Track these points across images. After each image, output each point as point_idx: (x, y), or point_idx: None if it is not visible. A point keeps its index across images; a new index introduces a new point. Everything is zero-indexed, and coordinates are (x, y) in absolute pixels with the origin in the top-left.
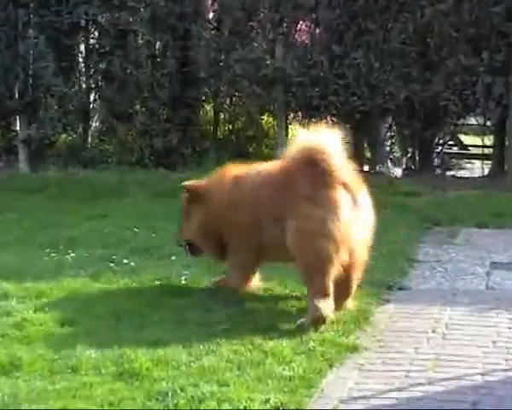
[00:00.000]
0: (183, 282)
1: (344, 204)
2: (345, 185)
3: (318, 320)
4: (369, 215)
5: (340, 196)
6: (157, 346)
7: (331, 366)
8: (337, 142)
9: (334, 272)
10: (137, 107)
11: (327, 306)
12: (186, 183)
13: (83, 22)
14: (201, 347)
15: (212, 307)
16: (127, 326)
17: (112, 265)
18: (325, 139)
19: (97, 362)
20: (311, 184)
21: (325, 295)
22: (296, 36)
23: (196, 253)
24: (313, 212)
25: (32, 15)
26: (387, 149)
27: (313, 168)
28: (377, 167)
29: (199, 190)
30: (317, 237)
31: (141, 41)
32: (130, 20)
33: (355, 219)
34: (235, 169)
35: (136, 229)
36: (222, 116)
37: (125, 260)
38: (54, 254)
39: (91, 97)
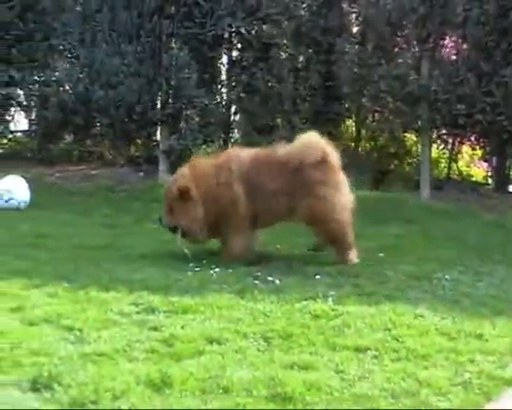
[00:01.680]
0: (330, 303)
1: (345, 183)
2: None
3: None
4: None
5: (342, 178)
6: (308, 370)
7: (488, 400)
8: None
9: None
10: (278, 120)
11: (354, 255)
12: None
13: (226, 34)
14: (353, 373)
15: (361, 331)
16: (276, 348)
17: (256, 282)
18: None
19: (249, 384)
20: (321, 172)
21: (351, 247)
22: (442, 52)
23: (184, 236)
24: (327, 192)
25: (176, 27)
26: None
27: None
28: None
29: (189, 189)
30: (336, 210)
31: (284, 54)
32: (274, 33)
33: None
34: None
35: (278, 246)
36: (364, 132)
37: (270, 278)
38: (198, 269)
39: (232, 110)
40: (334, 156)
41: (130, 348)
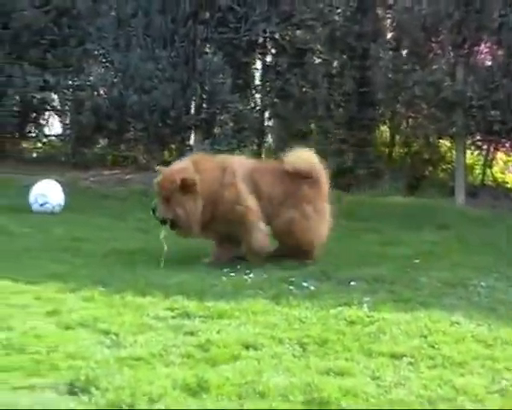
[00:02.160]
0: (365, 309)
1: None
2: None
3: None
4: None
5: (327, 204)
6: (344, 376)
7: None
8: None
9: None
10: (312, 126)
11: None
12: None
13: (260, 40)
14: (389, 379)
15: (396, 337)
16: (312, 353)
17: (291, 287)
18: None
19: (285, 389)
20: (311, 191)
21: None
22: (477, 58)
23: (174, 228)
24: (312, 215)
25: (210, 32)
26: None
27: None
28: None
29: (195, 182)
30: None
31: (318, 60)
32: (308, 38)
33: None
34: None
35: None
36: (398, 138)
37: (304, 283)
38: (232, 275)
39: (266, 115)
40: (324, 176)
41: (166, 352)
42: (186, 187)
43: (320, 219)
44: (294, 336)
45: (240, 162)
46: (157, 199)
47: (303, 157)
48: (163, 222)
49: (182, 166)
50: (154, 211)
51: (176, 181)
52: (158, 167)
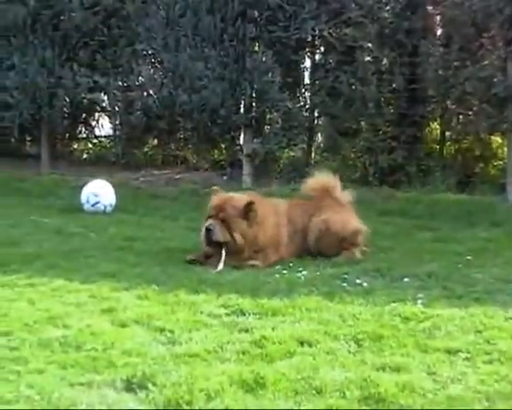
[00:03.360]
0: (419, 306)
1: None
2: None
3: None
4: None
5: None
6: (400, 371)
7: None
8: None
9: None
10: (362, 123)
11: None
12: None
13: (309, 38)
14: (446, 375)
15: (451, 333)
16: (367, 349)
17: (344, 284)
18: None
19: (341, 385)
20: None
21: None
22: None
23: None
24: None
25: (259, 31)
26: None
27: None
28: None
29: (256, 208)
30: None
31: (368, 57)
32: (358, 35)
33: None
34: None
35: (364, 248)
36: (448, 135)
37: (358, 280)
38: (285, 272)
39: (315, 113)
40: (337, 188)
41: (221, 349)
42: (249, 214)
43: (348, 212)
44: (349, 332)
45: (283, 205)
46: (213, 221)
47: (315, 179)
48: (214, 246)
49: (241, 195)
50: (208, 232)
51: (239, 205)
52: (215, 188)
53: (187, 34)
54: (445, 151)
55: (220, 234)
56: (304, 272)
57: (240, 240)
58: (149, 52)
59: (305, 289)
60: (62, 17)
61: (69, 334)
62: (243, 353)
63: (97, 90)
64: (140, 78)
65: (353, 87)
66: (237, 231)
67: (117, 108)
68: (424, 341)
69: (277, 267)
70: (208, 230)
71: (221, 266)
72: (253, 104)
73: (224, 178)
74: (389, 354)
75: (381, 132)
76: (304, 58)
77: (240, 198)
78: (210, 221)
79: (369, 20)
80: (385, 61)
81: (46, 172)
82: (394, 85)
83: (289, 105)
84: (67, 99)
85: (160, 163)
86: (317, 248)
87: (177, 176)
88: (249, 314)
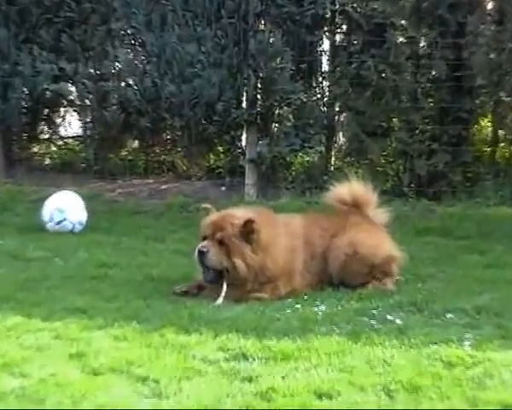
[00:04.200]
0: (467, 348)
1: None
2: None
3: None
4: None
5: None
6: None
7: None
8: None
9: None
10: (395, 121)
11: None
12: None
13: (328, 14)
14: None
15: (507, 382)
16: (402, 403)
17: (373, 322)
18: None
19: None
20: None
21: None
22: None
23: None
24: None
25: (266, 5)
26: None
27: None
28: None
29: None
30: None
31: (401, 38)
32: (389, 11)
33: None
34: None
35: (397, 277)
36: (502, 134)
37: (389, 317)
38: (298, 306)
39: (336, 108)
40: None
41: (219, 403)
42: (249, 234)
43: (379, 234)
44: (378, 381)
45: (297, 222)
46: (207, 242)
47: (344, 189)
48: (213, 276)
49: (240, 212)
50: (201, 255)
51: (236, 224)
52: (206, 206)
53: (175, 9)
54: (497, 154)
55: (216, 259)
56: (322, 307)
57: (242, 267)
58: (128, 32)
59: (324, 328)
60: None
61: (28, 384)
62: (247, 408)
63: (63, 80)
64: (117, 64)
65: (383, 75)
66: (238, 255)
67: (88, 102)
68: (473, 392)
69: (289, 301)
70: (201, 253)
71: (221, 299)
72: (258, 97)
73: (222, 189)
74: (429, 408)
75: (417, 132)
76: (321, 39)
77: (242, 215)
78: (204, 243)
79: None
80: (423, 42)
81: None
82: (434, 73)
83: (303, 98)
84: (26, 90)
85: (141, 171)
86: (341, 277)
87: (164, 186)
88: (253, 359)
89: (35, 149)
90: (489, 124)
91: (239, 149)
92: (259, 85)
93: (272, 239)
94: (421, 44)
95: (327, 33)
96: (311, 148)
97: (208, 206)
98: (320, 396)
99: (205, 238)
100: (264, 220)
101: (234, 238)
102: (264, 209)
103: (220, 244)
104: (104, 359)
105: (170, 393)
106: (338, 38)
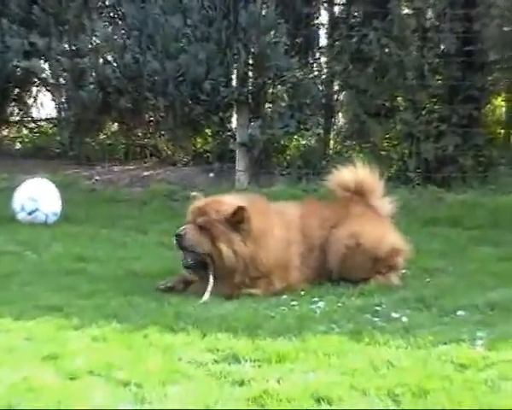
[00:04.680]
0: (479, 348)
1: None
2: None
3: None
4: None
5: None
6: None
7: None
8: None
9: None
10: (399, 100)
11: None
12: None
13: None
14: None
15: None
16: (408, 408)
17: (376, 320)
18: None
19: None
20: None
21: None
22: None
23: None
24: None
25: None
26: None
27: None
28: None
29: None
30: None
31: (406, 9)
32: None
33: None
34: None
35: (403, 270)
36: None
37: (394, 314)
38: (294, 303)
39: (335, 86)
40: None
41: (208, 409)
42: (239, 223)
43: (384, 224)
44: (383, 384)
45: (293, 211)
46: (187, 226)
47: (347, 173)
48: (196, 265)
49: (230, 198)
50: (178, 238)
51: (225, 209)
52: (195, 194)
53: None
54: None
55: (194, 239)
56: (320, 304)
57: (228, 254)
58: (107, 3)
59: (323, 327)
60: None
61: None
62: None
63: (35, 56)
64: (94, 38)
65: (386, 50)
66: (224, 241)
67: (62, 81)
68: (486, 397)
69: (284, 297)
70: (178, 235)
71: (207, 295)
72: (250, 74)
73: (211, 175)
74: None
75: (424, 112)
76: (318, 10)
77: (230, 202)
78: (182, 227)
79: None
80: (430, 13)
81: None
82: (443, 47)
83: (299, 75)
84: None
85: (121, 156)
86: (341, 272)
87: (146, 173)
88: (246, 361)
89: (4, 133)
90: (502, 103)
91: (229, 131)
92: (251, 62)
93: (265, 230)
94: (429, 16)
95: (325, 4)
96: (307, 130)
97: (197, 194)
98: (319, 401)
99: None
100: (257, 209)
101: (218, 224)
102: (257, 197)
103: (202, 229)
104: (81, 361)
105: (154, 398)
106: (337, 9)
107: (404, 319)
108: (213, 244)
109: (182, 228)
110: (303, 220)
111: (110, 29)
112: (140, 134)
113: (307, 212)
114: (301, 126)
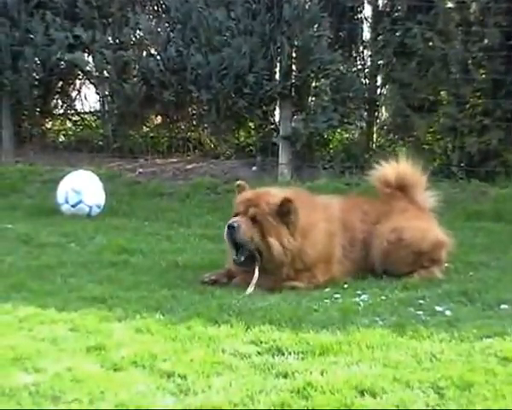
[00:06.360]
0: None
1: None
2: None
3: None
4: None
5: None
6: None
7: None
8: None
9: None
10: (443, 94)
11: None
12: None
13: None
14: None
15: None
16: (452, 401)
17: (419, 313)
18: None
19: None
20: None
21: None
22: None
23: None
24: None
25: None
26: None
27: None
28: None
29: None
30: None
31: (450, 3)
32: None
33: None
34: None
35: (446, 264)
36: None
37: (437, 308)
38: (337, 296)
39: (379, 80)
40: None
41: (251, 400)
42: (285, 215)
43: (427, 219)
44: (426, 377)
45: (336, 205)
46: (239, 218)
47: (390, 169)
48: (245, 259)
49: (274, 192)
50: (231, 231)
51: (275, 201)
52: (240, 183)
53: None
54: None
55: (248, 235)
56: (364, 297)
57: (277, 248)
58: None
59: (366, 320)
60: None
61: (42, 380)
62: (282, 405)
63: (79, 49)
64: (138, 31)
65: (430, 44)
66: (273, 235)
67: (106, 74)
68: None
69: (327, 290)
70: (231, 227)
71: (252, 288)
72: (293, 68)
73: (253, 168)
74: (482, 407)
75: (468, 106)
76: (362, 4)
77: (279, 194)
78: (235, 219)
79: None
80: (474, 7)
81: (9, 161)
82: (487, 41)
83: (342, 69)
84: (38, 61)
85: (165, 149)
86: (384, 265)
87: (189, 166)
88: (289, 354)
89: (48, 126)
90: None
91: (272, 124)
92: (294, 55)
93: (311, 222)
94: (473, 10)
95: None
96: (350, 124)
97: (242, 183)
98: (362, 393)
99: (237, 215)
100: (302, 201)
101: (269, 217)
102: (301, 190)
103: (253, 222)
104: (125, 352)
105: (198, 389)
106: (381, 2)
107: (448, 312)
108: (263, 238)
109: (234, 220)
110: (345, 214)
111: (154, 22)
112: (183, 127)
113: (349, 206)
114: (344, 120)
